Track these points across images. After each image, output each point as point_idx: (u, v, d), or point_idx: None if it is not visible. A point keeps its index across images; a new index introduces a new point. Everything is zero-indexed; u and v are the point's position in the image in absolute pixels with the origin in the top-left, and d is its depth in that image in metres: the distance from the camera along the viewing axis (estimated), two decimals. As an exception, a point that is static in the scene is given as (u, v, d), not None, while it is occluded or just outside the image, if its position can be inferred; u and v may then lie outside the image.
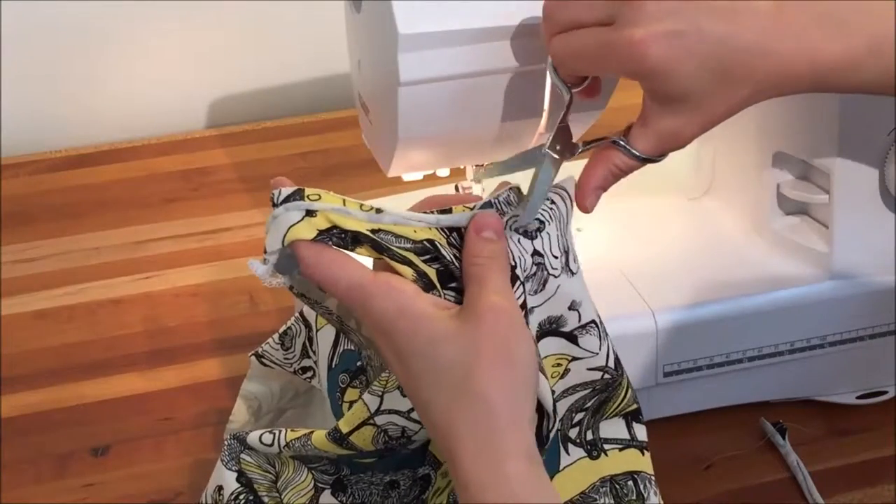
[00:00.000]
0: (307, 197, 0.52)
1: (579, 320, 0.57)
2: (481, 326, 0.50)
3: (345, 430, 0.57)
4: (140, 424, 0.81)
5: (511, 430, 0.49)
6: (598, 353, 0.58)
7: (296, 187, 0.52)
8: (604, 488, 0.60)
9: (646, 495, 0.60)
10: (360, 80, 0.70)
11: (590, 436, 0.61)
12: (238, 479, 0.62)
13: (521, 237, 0.56)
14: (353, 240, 0.52)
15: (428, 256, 0.53)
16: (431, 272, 0.53)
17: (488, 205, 0.55)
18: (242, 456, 0.63)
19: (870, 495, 0.73)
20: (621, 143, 0.56)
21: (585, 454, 0.61)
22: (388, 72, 0.63)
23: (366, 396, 0.57)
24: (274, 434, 0.61)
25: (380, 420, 0.57)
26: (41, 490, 0.76)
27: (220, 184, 1.11)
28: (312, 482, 0.61)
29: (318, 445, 0.58)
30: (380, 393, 0.57)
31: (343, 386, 0.64)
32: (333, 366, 0.65)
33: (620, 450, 0.61)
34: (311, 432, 0.59)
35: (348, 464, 0.61)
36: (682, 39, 0.52)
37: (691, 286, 0.76)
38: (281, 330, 0.70)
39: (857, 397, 0.79)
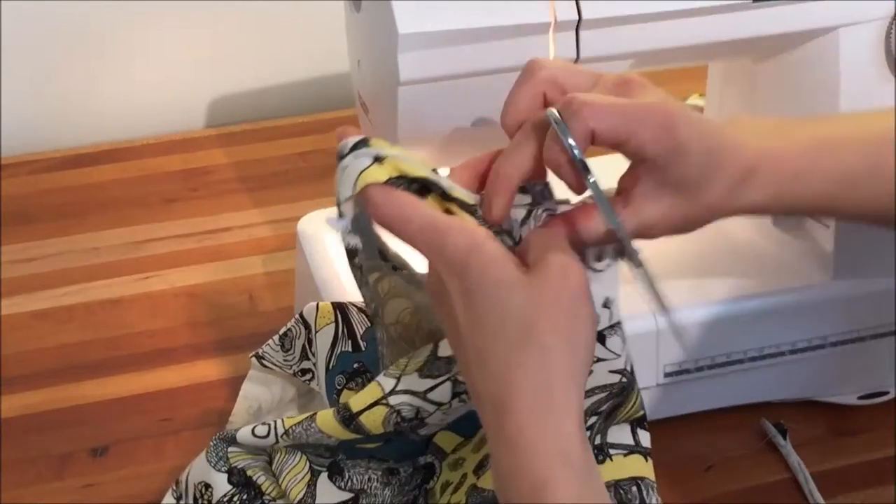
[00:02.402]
0: (372, 144, 0.51)
1: (610, 319, 0.57)
2: (551, 280, 0.49)
3: (355, 409, 0.56)
4: (140, 424, 0.81)
5: (570, 388, 0.48)
6: (620, 356, 0.58)
7: (361, 136, 0.51)
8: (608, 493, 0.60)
9: (648, 501, 0.60)
10: (360, 80, 0.70)
11: (598, 440, 0.60)
12: (230, 480, 0.61)
13: None
14: (418, 190, 0.51)
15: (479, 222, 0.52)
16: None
17: (523, 190, 0.54)
18: (229, 450, 0.62)
19: (871, 496, 0.73)
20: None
21: None
22: (387, 72, 0.63)
23: (381, 378, 0.56)
24: (269, 425, 0.60)
25: (394, 400, 0.56)
26: (41, 490, 0.75)
27: (220, 184, 1.11)
28: (307, 465, 0.60)
29: (323, 427, 0.57)
30: (397, 375, 0.56)
31: (339, 388, 0.64)
32: (331, 367, 0.64)
33: (625, 455, 0.61)
34: (314, 414, 0.58)
35: (346, 449, 0.60)
36: None
37: (692, 286, 0.76)
38: (281, 331, 0.69)
39: (859, 398, 0.79)
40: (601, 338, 0.57)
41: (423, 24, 0.61)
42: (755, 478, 0.75)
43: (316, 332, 0.66)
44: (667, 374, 0.75)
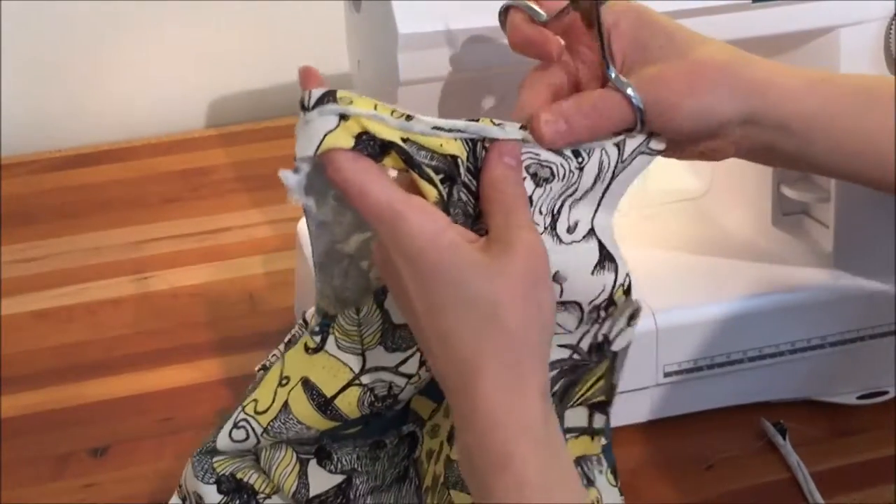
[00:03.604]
0: (340, 98, 0.49)
1: (560, 295, 0.55)
2: (515, 262, 0.48)
3: (329, 393, 0.55)
4: (140, 424, 0.81)
5: (535, 368, 0.48)
6: (571, 332, 0.56)
7: (327, 88, 0.49)
8: None
9: (592, 476, 0.59)
10: (360, 80, 0.70)
11: None
12: (219, 490, 0.60)
13: (529, 178, 0.53)
14: (381, 148, 0.50)
15: (443, 175, 0.51)
16: (447, 197, 0.51)
17: (521, 129, 0.53)
18: (214, 460, 0.61)
19: (870, 496, 0.73)
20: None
21: None
22: (387, 72, 0.63)
23: (342, 355, 0.55)
24: (245, 429, 0.58)
25: (365, 379, 0.55)
26: (41, 490, 0.75)
27: (220, 184, 1.11)
28: (294, 455, 0.60)
29: (300, 417, 0.56)
30: (359, 351, 0.55)
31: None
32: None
33: (576, 437, 0.60)
34: (287, 404, 0.57)
35: (330, 436, 0.60)
36: None
37: (691, 286, 0.76)
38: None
39: (858, 397, 0.79)
40: None
41: (423, 24, 0.61)
42: (754, 477, 0.75)
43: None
44: (666, 374, 0.75)
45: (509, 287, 0.48)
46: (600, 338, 0.58)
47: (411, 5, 0.61)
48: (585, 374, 0.58)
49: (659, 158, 0.89)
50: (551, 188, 0.54)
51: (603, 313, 0.57)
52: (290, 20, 1.23)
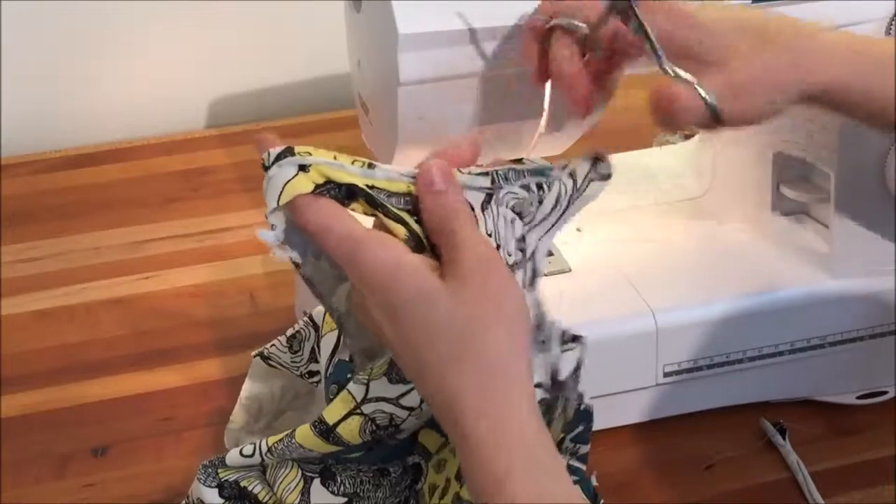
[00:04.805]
0: (298, 153, 0.51)
1: None
2: (469, 282, 0.49)
3: (331, 421, 0.56)
4: (140, 424, 0.81)
5: (514, 379, 0.48)
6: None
7: (285, 145, 0.51)
8: None
9: None
10: (360, 80, 0.70)
11: None
12: (221, 494, 0.61)
13: (516, 217, 0.54)
14: (347, 194, 0.51)
15: (418, 217, 0.52)
16: (421, 232, 0.52)
17: (484, 175, 0.54)
18: (219, 469, 0.62)
19: (870, 495, 0.73)
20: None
21: None
22: (388, 72, 0.63)
23: (350, 386, 0.56)
24: (254, 444, 0.60)
25: (367, 409, 0.56)
26: (41, 490, 0.76)
27: (220, 184, 1.11)
28: (300, 472, 0.60)
29: (302, 443, 0.57)
30: (365, 381, 0.56)
31: (332, 397, 0.64)
32: (328, 374, 0.64)
33: None
34: (293, 431, 0.58)
35: (334, 458, 0.60)
36: None
37: (691, 286, 0.76)
38: (289, 333, 0.69)
39: (858, 397, 0.79)
40: None
41: (423, 24, 0.61)
42: (754, 477, 0.75)
43: (321, 336, 0.66)
44: (666, 374, 0.75)
45: (470, 310, 0.48)
46: (551, 369, 0.57)
47: (411, 5, 0.61)
48: (547, 413, 0.58)
49: (659, 158, 0.90)
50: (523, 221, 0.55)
51: (538, 334, 0.57)
52: (290, 20, 1.23)
